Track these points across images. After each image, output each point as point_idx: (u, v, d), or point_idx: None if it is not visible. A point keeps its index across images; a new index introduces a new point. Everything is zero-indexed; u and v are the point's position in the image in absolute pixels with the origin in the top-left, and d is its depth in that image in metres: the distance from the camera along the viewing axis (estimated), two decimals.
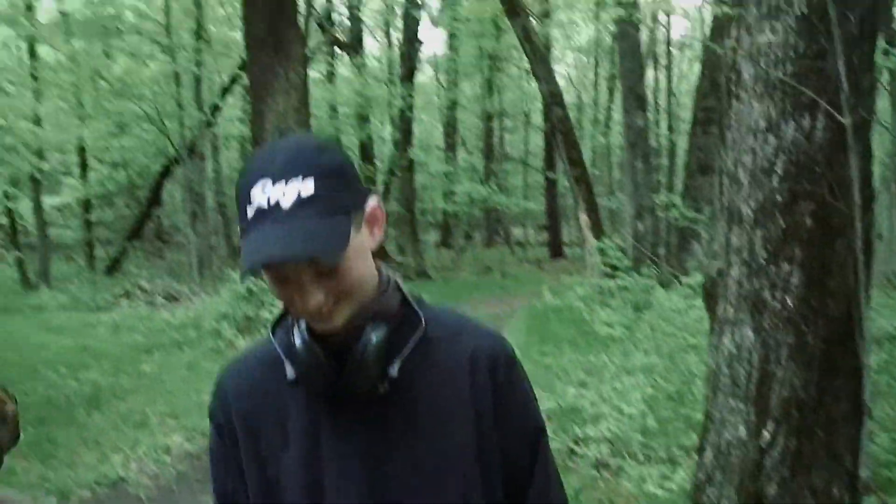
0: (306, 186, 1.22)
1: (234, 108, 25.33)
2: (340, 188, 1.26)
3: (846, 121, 3.26)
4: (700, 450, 3.74)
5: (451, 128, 27.88)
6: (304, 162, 1.24)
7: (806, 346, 3.35)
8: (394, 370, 1.34)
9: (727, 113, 3.68)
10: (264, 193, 1.22)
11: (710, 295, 3.74)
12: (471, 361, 1.39)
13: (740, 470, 3.46)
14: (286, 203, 1.21)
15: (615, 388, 5.58)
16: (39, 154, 19.65)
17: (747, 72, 3.53)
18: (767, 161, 3.43)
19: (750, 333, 3.45)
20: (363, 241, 1.31)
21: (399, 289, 1.42)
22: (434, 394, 1.38)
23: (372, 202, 1.32)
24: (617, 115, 24.38)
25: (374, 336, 1.31)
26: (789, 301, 3.36)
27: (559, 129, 13.91)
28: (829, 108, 3.29)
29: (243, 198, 1.25)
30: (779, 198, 3.40)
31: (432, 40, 25.88)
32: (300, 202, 1.21)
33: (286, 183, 1.22)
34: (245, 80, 20.73)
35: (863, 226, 3.33)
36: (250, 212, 1.23)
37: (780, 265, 3.38)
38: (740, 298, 3.49)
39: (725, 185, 3.65)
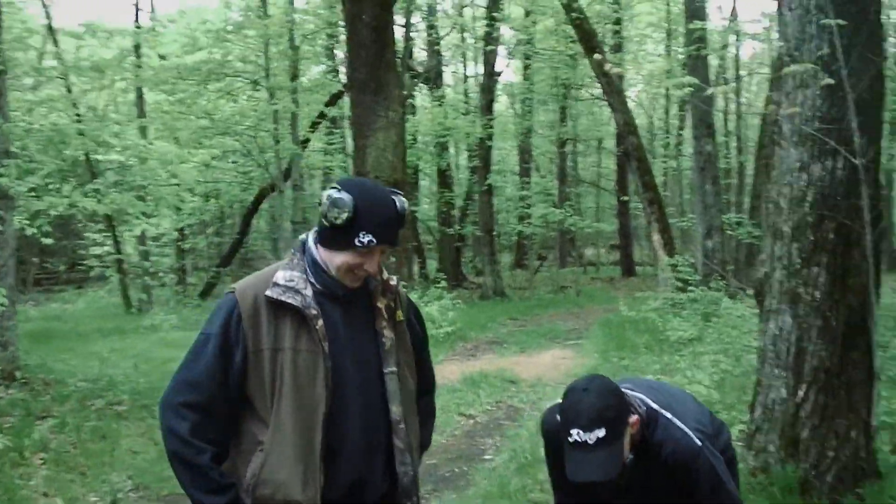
0: (600, 433, 2.49)
1: (317, 140, 26.81)
2: (619, 425, 2.54)
3: (859, 163, 4.45)
4: (751, 408, 4.99)
5: (526, 153, 29.00)
6: (599, 418, 2.50)
7: (831, 328, 4.57)
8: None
9: (772, 156, 4.91)
10: (578, 435, 2.51)
11: (759, 292, 4.97)
12: (668, 468, 2.72)
13: (782, 421, 4.70)
14: (590, 441, 2.49)
15: (686, 377, 6.75)
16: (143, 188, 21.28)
17: (786, 126, 4.76)
18: (801, 192, 4.65)
19: (789, 319, 4.68)
20: (629, 438, 2.63)
21: (639, 427, 2.74)
22: (651, 479, 2.77)
23: (632, 419, 2.62)
24: (687, 134, 25.20)
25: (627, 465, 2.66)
26: (818, 295, 4.59)
27: (634, 157, 15.08)
28: (846, 153, 4.48)
29: (564, 431, 2.54)
30: (809, 219, 4.62)
31: (508, 70, 27.33)
32: (598, 442, 2.49)
33: (590, 432, 2.49)
34: (329, 114, 22.36)
35: (872, 239, 4.51)
36: (570, 440, 2.52)
37: (811, 268, 4.61)
38: (781, 294, 4.73)
39: (770, 210, 4.87)
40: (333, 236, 2.38)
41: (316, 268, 2.46)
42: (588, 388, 2.56)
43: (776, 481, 4.54)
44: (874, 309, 4.52)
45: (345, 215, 2.32)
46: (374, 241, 2.36)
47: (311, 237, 2.52)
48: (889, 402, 5.67)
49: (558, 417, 2.60)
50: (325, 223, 2.36)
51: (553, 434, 2.77)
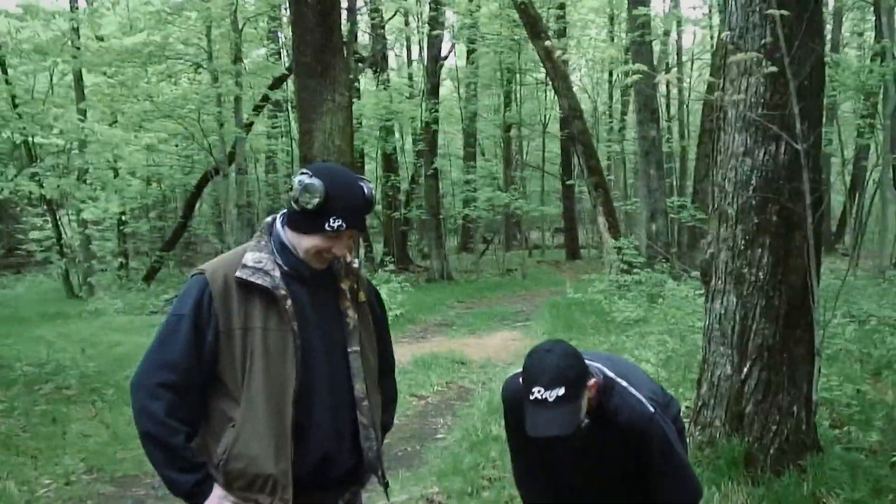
0: (560, 391, 2.57)
1: (261, 123, 26.58)
2: (578, 385, 2.63)
3: (800, 148, 4.62)
4: (698, 385, 5.16)
5: (471, 137, 29.11)
6: (560, 377, 2.59)
7: (774, 307, 4.75)
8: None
9: (717, 142, 5.06)
10: (539, 393, 2.59)
11: (705, 273, 5.13)
12: (622, 433, 2.84)
13: (727, 396, 4.87)
14: (550, 399, 2.57)
15: (634, 356, 6.92)
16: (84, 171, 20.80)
17: (731, 112, 4.91)
18: (745, 176, 4.81)
19: (734, 299, 4.85)
20: (587, 400, 2.71)
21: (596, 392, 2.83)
22: (607, 444, 2.89)
23: (591, 382, 2.70)
24: (630, 120, 25.50)
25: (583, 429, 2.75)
26: (761, 275, 4.76)
27: (579, 141, 15.28)
28: (788, 139, 4.65)
29: (526, 389, 2.62)
30: (753, 202, 4.78)
31: (452, 54, 27.12)
32: (557, 399, 2.57)
33: (550, 390, 2.58)
34: (273, 97, 22.18)
35: (813, 221, 4.69)
36: (531, 397, 2.60)
37: (754, 250, 4.78)
38: (727, 274, 4.89)
39: (716, 193, 5.03)
40: (303, 220, 2.45)
41: (283, 249, 2.52)
42: (550, 350, 2.68)
43: (722, 455, 4.72)
44: (815, 288, 4.70)
45: (315, 200, 2.39)
46: (344, 225, 2.44)
47: (278, 219, 2.58)
48: (828, 379, 5.93)
49: (521, 379, 2.71)
50: (296, 207, 2.43)
51: (514, 401, 2.87)
